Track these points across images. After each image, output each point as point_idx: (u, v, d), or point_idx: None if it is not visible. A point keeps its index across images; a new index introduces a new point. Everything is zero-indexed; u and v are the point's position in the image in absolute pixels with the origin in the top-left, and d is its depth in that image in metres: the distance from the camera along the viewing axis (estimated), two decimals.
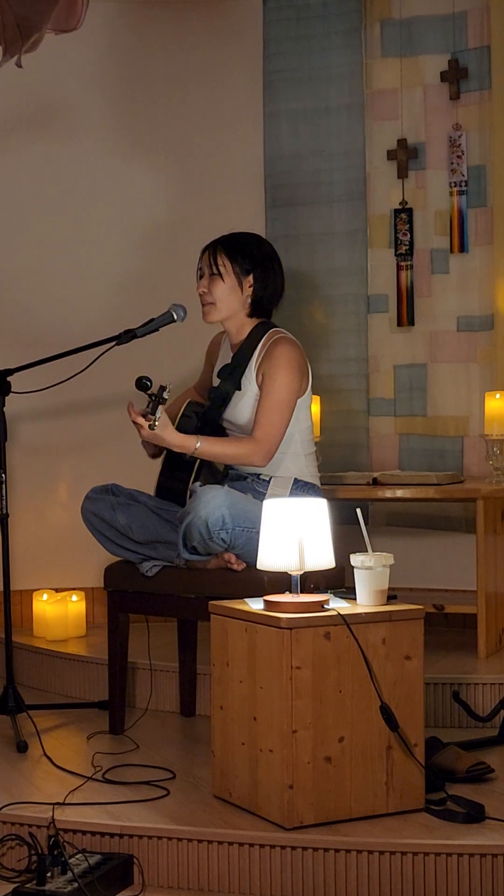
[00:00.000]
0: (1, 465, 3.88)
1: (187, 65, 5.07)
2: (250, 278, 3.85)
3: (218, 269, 3.83)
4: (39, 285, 5.01)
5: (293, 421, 3.78)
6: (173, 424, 3.71)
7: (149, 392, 3.52)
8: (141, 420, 3.56)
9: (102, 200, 5.04)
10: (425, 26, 4.80)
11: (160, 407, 3.53)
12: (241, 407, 3.82)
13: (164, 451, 3.88)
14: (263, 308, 3.90)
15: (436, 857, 2.86)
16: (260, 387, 3.78)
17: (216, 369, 3.98)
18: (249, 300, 3.87)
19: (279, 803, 3.01)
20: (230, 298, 3.85)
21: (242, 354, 3.85)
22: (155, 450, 3.87)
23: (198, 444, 3.67)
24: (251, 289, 3.86)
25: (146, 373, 3.57)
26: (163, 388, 3.50)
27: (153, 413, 3.52)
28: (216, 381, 3.93)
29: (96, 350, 3.89)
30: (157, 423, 3.54)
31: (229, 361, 3.88)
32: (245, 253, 3.85)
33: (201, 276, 3.88)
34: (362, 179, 4.94)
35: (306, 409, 3.86)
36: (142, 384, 3.51)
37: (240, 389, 3.82)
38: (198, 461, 3.82)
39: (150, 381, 3.51)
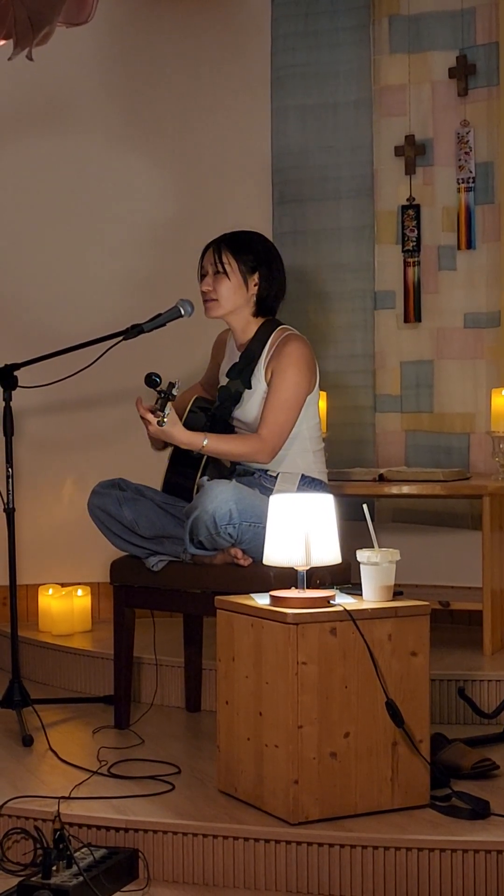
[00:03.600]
0: (8, 460, 3.89)
1: (195, 60, 5.07)
2: (255, 276, 3.84)
3: (223, 268, 3.82)
4: (46, 281, 5.01)
5: (301, 417, 3.78)
6: (180, 420, 3.72)
7: (158, 389, 3.52)
8: (149, 416, 3.57)
9: (108, 196, 5.04)
10: (434, 22, 4.80)
11: (169, 404, 3.53)
12: (250, 405, 3.82)
13: (172, 447, 3.87)
14: (268, 306, 3.90)
15: (440, 854, 2.86)
16: (268, 384, 3.78)
17: (223, 368, 3.98)
18: (255, 298, 3.86)
19: (284, 798, 3.01)
20: (235, 296, 3.84)
21: (251, 353, 3.84)
22: (160, 444, 3.87)
23: (205, 442, 3.67)
24: (256, 287, 3.85)
25: (153, 368, 3.57)
26: (172, 385, 3.51)
27: (162, 410, 3.53)
28: (223, 380, 3.93)
29: (103, 345, 3.90)
30: (165, 420, 3.54)
31: (237, 361, 3.88)
32: (249, 250, 3.84)
33: (204, 275, 3.87)
34: (370, 175, 4.93)
35: (314, 406, 3.86)
36: (151, 381, 3.51)
37: (250, 388, 3.82)
38: (205, 456, 3.82)
39: (159, 377, 3.51)
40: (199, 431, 3.72)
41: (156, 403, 3.56)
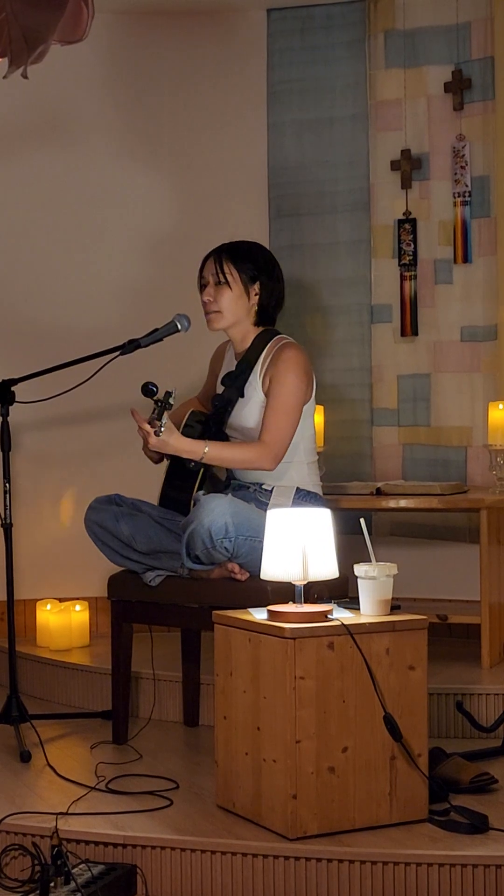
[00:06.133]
0: (5, 475, 3.89)
1: (191, 75, 5.08)
2: (256, 286, 3.85)
3: (224, 277, 3.83)
4: (44, 295, 5.02)
5: (297, 429, 3.78)
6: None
7: (154, 398, 3.51)
8: (147, 427, 3.56)
9: (106, 211, 5.05)
10: (429, 37, 4.81)
11: (165, 413, 3.52)
12: (246, 413, 3.82)
13: (169, 459, 3.86)
14: (268, 316, 3.91)
15: (439, 868, 2.86)
16: (266, 392, 3.78)
17: (220, 378, 3.98)
18: (255, 308, 3.87)
19: (282, 813, 3.01)
20: (236, 306, 3.85)
21: (247, 361, 3.85)
22: (159, 455, 3.87)
23: (206, 449, 3.67)
24: (257, 296, 3.86)
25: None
26: (168, 394, 3.50)
27: (159, 419, 3.52)
28: (220, 389, 3.94)
29: (100, 360, 3.90)
30: (163, 430, 3.53)
31: (233, 369, 3.89)
32: (250, 260, 3.85)
33: (205, 285, 3.88)
34: (366, 190, 4.94)
35: (310, 418, 3.86)
36: (148, 390, 3.51)
37: (243, 396, 3.82)
38: (201, 471, 3.82)
39: (155, 386, 3.51)
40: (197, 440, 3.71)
41: (153, 413, 3.55)
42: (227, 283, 3.83)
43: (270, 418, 3.74)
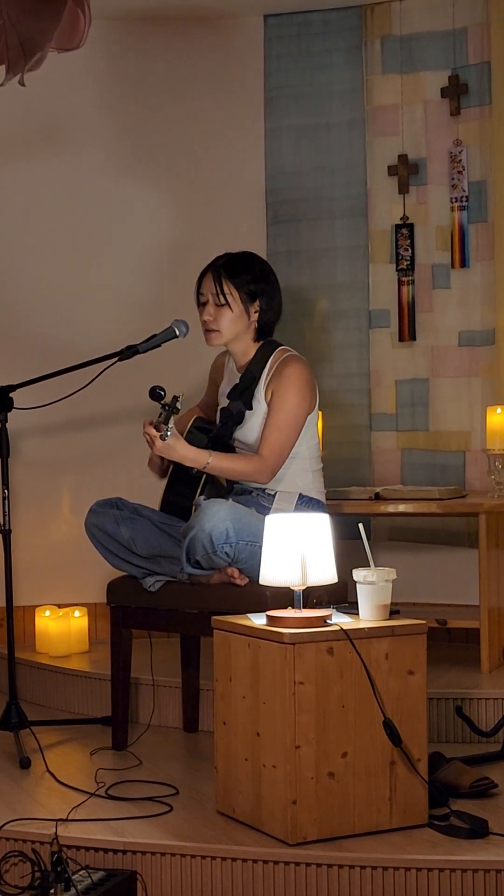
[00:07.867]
0: (4, 481, 3.89)
1: (188, 82, 5.09)
2: (256, 304, 3.84)
3: (225, 299, 3.81)
4: (42, 302, 5.02)
5: (301, 437, 3.79)
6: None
7: (162, 402, 3.51)
8: (153, 431, 3.56)
9: (104, 218, 5.05)
10: (426, 42, 4.82)
11: (172, 418, 3.52)
12: (251, 426, 3.82)
13: (171, 465, 3.87)
14: (268, 329, 3.91)
15: (439, 873, 2.86)
16: (268, 404, 3.78)
17: (222, 390, 3.98)
18: (256, 325, 3.87)
19: (282, 819, 3.00)
20: (236, 325, 3.84)
21: (251, 374, 3.85)
22: (162, 471, 3.87)
23: (209, 459, 3.67)
24: (257, 314, 3.85)
25: (147, 389, 3.56)
26: (176, 398, 3.49)
27: (165, 423, 3.51)
28: (223, 401, 3.93)
29: (99, 366, 3.90)
30: (168, 433, 3.53)
31: (237, 382, 3.88)
32: (250, 278, 3.83)
33: (204, 304, 3.86)
34: (363, 195, 4.95)
35: (314, 426, 3.87)
36: (155, 394, 3.50)
37: (251, 409, 3.82)
38: (203, 476, 3.82)
39: (163, 390, 3.50)
40: (202, 449, 3.72)
41: (159, 417, 3.54)
42: (227, 304, 3.82)
43: (269, 434, 3.74)
